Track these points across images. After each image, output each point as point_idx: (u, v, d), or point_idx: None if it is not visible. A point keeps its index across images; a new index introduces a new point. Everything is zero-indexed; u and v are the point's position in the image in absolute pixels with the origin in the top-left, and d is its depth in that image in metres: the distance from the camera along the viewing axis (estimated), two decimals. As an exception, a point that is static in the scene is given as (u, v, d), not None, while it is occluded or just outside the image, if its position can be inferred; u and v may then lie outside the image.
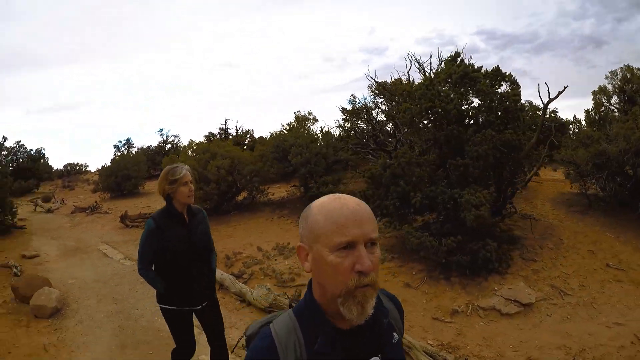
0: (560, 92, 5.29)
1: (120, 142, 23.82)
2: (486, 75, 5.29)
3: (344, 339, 0.87)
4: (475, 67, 5.65)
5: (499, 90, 5.27)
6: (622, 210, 6.21)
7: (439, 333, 4.14)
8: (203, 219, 2.68)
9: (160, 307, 2.60)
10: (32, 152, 23.78)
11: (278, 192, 10.83)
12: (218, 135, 19.42)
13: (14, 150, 22.55)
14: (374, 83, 11.26)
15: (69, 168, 26.66)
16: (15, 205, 9.65)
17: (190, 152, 11.81)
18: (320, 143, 10.60)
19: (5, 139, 9.83)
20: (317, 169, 9.82)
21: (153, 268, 2.55)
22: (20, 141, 23.93)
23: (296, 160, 10.27)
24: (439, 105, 4.98)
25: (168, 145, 20.80)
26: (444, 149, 5.15)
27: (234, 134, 18.96)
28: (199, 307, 2.62)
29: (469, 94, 5.21)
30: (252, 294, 4.82)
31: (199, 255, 2.58)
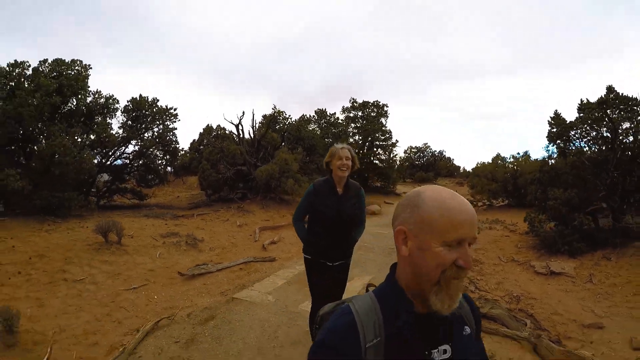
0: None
1: (518, 153, 27.02)
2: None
3: (421, 322, 0.89)
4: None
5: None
6: None
7: (488, 263, 7.71)
8: (357, 195, 2.96)
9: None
10: (435, 151, 37.10)
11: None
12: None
13: (422, 149, 37.06)
14: None
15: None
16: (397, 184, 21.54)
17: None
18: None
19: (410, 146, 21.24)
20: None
21: (307, 221, 3.05)
22: (427, 143, 41.18)
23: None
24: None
25: (551, 161, 21.88)
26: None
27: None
28: (329, 264, 2.94)
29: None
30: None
31: (342, 222, 2.87)
